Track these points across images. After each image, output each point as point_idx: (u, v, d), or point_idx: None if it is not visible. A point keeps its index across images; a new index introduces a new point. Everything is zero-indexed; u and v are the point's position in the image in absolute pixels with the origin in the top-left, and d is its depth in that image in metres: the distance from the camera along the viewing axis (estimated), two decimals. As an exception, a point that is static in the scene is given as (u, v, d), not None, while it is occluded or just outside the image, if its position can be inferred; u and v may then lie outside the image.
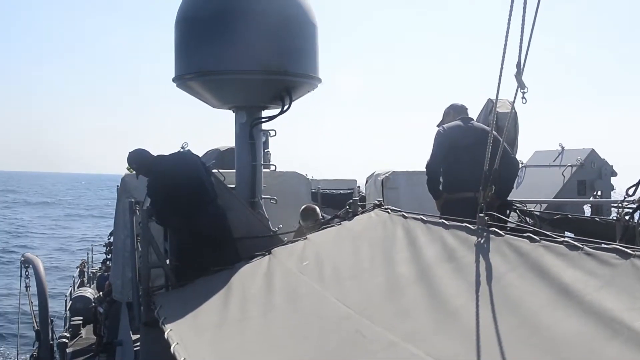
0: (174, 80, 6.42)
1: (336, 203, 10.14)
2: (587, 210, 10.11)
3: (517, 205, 5.85)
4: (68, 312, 14.39)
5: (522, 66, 3.03)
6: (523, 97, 3.13)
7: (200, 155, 5.97)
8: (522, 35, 2.96)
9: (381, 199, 5.66)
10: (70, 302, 14.52)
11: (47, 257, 33.81)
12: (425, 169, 5.65)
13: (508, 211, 5.64)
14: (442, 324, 2.61)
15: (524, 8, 2.86)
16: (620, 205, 4.31)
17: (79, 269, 19.09)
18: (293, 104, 6.32)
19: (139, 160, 5.51)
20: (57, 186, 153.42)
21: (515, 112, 6.29)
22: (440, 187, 5.58)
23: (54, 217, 66.42)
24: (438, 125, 5.95)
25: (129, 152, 5.54)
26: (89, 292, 14.72)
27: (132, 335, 5.79)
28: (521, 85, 3.07)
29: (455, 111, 5.84)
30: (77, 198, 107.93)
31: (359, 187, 11.97)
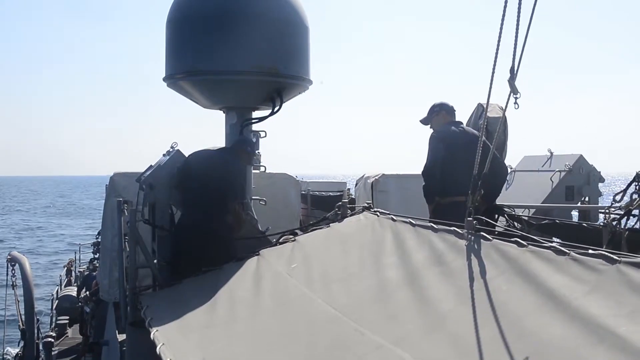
0: (164, 79, 6.38)
1: (326, 205, 10.14)
2: (575, 215, 10.18)
3: (506, 209, 5.87)
4: (54, 312, 14.27)
5: (515, 71, 3.01)
6: (515, 103, 3.12)
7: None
8: (516, 38, 2.91)
9: (370, 201, 5.66)
10: (57, 301, 14.40)
11: (33, 257, 33.54)
12: (422, 175, 5.60)
13: (497, 215, 5.66)
14: (430, 327, 2.61)
15: (519, 9, 2.84)
16: (607, 211, 4.34)
17: (65, 268, 18.93)
18: (283, 105, 6.31)
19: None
20: (45, 189, 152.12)
21: (505, 117, 6.31)
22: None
23: (42, 219, 65.83)
24: (422, 122, 5.89)
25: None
26: (76, 291, 14.61)
27: (118, 336, 5.75)
28: (514, 90, 3.04)
29: (448, 113, 5.79)
30: (66, 200, 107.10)
31: (348, 189, 11.99)
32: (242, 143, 6.00)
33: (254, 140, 6.52)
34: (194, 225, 5.37)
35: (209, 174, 5.49)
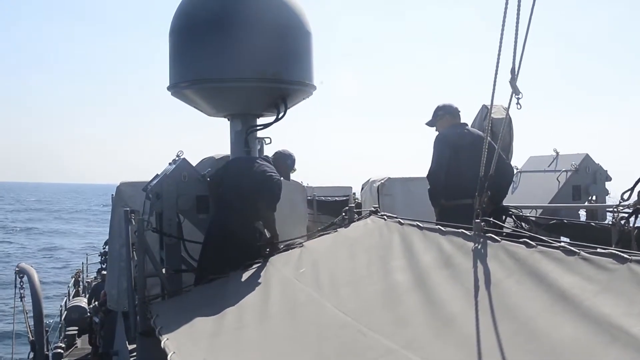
0: (169, 88, 6.41)
1: (332, 210, 10.13)
2: (583, 215, 10.13)
3: (513, 210, 5.84)
4: (63, 322, 14.29)
5: (516, 72, 3.02)
6: (518, 103, 3.13)
7: (194, 164, 5.96)
8: (516, 40, 2.94)
9: (377, 205, 5.65)
10: (66, 312, 14.42)
11: (39, 267, 33.63)
12: (427, 178, 5.57)
13: (504, 217, 5.63)
14: (440, 330, 2.61)
15: (518, 12, 2.86)
16: (615, 209, 4.31)
17: (73, 279, 18.96)
18: (288, 111, 6.32)
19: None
20: (46, 196, 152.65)
21: (510, 118, 6.29)
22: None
23: (44, 228, 65.86)
24: (428, 124, 5.87)
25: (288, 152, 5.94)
26: (84, 301, 14.64)
27: (128, 345, 5.75)
28: (516, 91, 3.07)
29: (452, 115, 5.76)
30: (72, 208, 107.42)
31: (354, 193, 11.98)
32: (284, 156, 5.98)
33: (259, 147, 6.53)
34: (225, 229, 5.36)
35: (245, 179, 5.52)
